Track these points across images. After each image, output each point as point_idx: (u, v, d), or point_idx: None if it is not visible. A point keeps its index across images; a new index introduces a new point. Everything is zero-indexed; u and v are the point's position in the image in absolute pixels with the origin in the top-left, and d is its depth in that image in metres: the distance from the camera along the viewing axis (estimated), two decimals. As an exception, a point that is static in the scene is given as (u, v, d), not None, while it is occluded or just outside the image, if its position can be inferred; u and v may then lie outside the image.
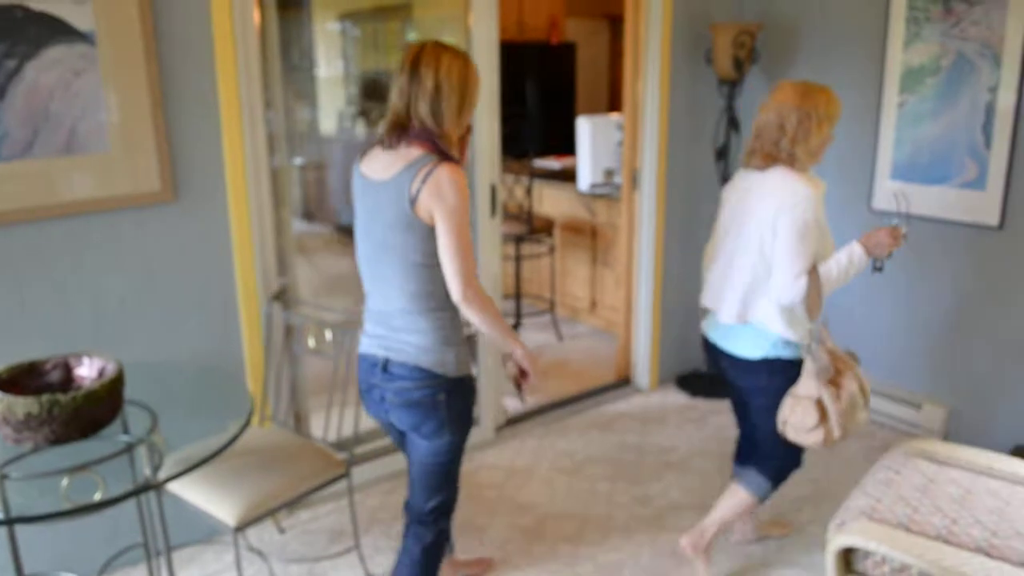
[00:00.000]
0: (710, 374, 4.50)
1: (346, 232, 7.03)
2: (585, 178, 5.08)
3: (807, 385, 2.54)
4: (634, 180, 4.27)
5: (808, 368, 2.55)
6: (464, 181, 2.15)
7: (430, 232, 2.15)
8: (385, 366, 2.29)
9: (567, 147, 5.42)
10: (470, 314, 2.21)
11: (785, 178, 2.51)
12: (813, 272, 2.50)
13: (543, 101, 7.54)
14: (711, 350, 2.82)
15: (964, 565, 2.16)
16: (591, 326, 5.47)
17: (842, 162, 4.04)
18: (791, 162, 2.53)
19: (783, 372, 2.61)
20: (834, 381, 2.57)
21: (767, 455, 2.79)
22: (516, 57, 7.37)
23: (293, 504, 2.66)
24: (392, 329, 2.28)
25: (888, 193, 3.85)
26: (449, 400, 2.28)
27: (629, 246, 4.38)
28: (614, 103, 7.83)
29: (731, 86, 4.09)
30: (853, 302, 4.10)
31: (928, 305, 3.86)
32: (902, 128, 3.80)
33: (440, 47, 2.17)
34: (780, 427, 2.62)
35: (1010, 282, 3.53)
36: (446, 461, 2.38)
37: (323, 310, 3.03)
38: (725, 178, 4.23)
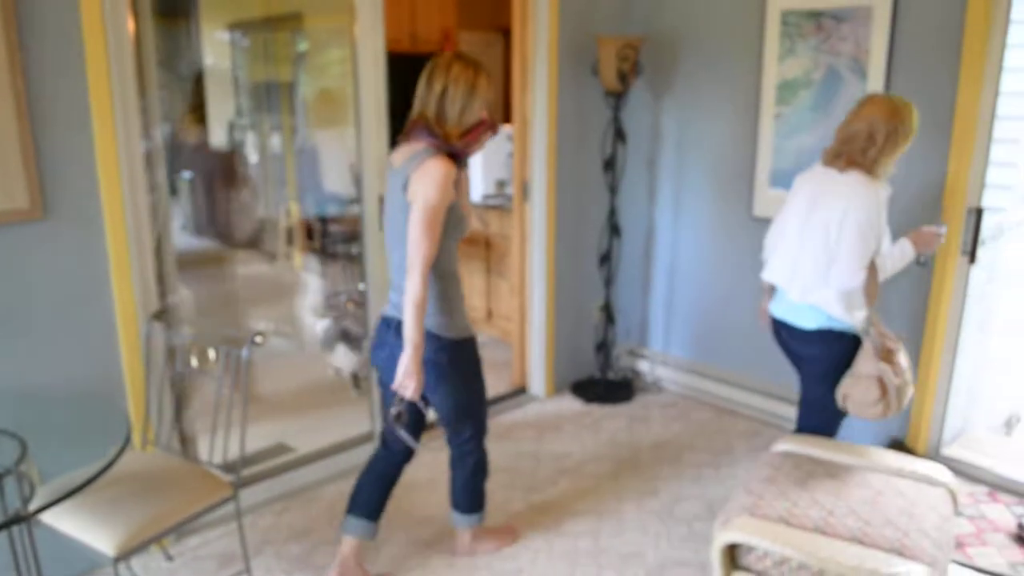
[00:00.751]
0: (605, 380, 4.59)
1: (242, 247, 6.85)
2: (477, 189, 5.11)
3: (867, 364, 2.81)
4: (525, 191, 4.31)
5: (867, 349, 2.83)
6: (448, 175, 2.45)
7: None
8: (398, 328, 2.60)
9: (461, 159, 5.44)
10: (407, 283, 2.48)
11: (858, 182, 2.77)
12: (871, 266, 2.79)
13: (438, 113, 7.54)
14: (775, 323, 3.11)
15: (839, 554, 2.26)
16: (488, 336, 5.49)
17: (723, 172, 4.19)
18: (872, 169, 2.79)
19: (838, 342, 2.89)
20: (889, 359, 2.83)
21: (803, 426, 3.11)
22: (409, 68, 7.23)
23: (178, 530, 2.57)
24: (403, 295, 2.56)
25: (768, 201, 4.01)
26: (448, 358, 2.65)
27: (521, 256, 4.43)
28: (509, 114, 7.89)
29: (617, 98, 4.19)
30: (740, 310, 4.25)
31: (807, 307, 4.02)
32: (780, 138, 3.96)
33: (453, 57, 2.53)
34: (841, 402, 2.89)
35: (888, 282, 3.71)
36: (454, 406, 2.78)
37: (208, 329, 2.95)
38: (613, 188, 4.32)
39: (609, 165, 4.31)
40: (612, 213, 4.37)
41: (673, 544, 3.21)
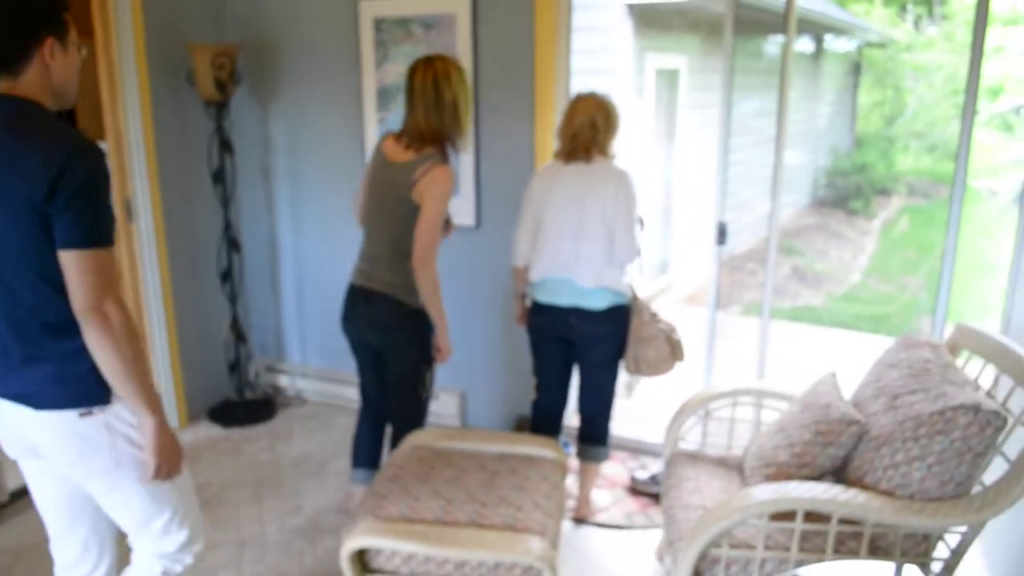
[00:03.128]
0: (244, 400, 4.41)
1: None
2: (77, 213, 4.65)
3: (650, 326, 3.13)
4: (128, 211, 3.99)
5: (645, 313, 3.14)
6: (452, 182, 2.80)
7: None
8: (366, 296, 2.95)
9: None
10: (417, 277, 2.83)
11: (613, 168, 3.04)
12: None
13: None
14: (556, 313, 3.15)
15: (458, 540, 2.35)
16: (113, 371, 5.04)
17: (336, 177, 4.20)
18: (605, 152, 3.07)
19: (623, 315, 3.14)
20: (656, 318, 3.17)
21: (603, 411, 3.33)
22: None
23: None
24: (377, 268, 2.93)
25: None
26: (409, 324, 2.94)
27: (134, 281, 4.10)
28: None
29: (218, 108, 4.02)
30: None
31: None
32: (387, 141, 4.05)
33: (448, 63, 2.85)
34: (633, 368, 3.16)
35: (490, 273, 3.96)
36: (412, 364, 3.01)
37: None
38: (226, 201, 4.16)
39: (218, 177, 4.13)
40: (228, 227, 4.20)
41: (318, 558, 3.17)
